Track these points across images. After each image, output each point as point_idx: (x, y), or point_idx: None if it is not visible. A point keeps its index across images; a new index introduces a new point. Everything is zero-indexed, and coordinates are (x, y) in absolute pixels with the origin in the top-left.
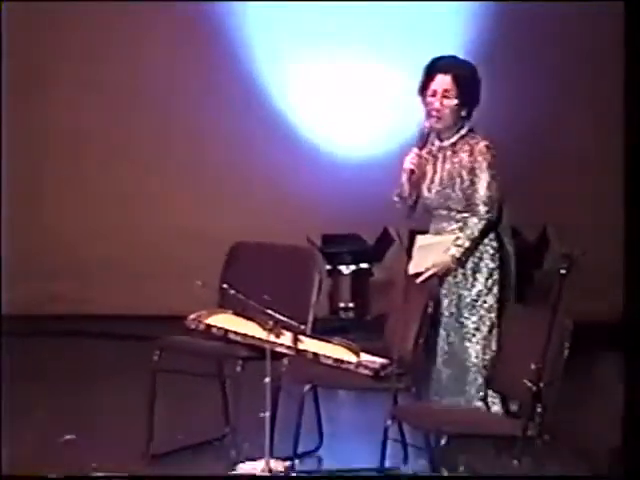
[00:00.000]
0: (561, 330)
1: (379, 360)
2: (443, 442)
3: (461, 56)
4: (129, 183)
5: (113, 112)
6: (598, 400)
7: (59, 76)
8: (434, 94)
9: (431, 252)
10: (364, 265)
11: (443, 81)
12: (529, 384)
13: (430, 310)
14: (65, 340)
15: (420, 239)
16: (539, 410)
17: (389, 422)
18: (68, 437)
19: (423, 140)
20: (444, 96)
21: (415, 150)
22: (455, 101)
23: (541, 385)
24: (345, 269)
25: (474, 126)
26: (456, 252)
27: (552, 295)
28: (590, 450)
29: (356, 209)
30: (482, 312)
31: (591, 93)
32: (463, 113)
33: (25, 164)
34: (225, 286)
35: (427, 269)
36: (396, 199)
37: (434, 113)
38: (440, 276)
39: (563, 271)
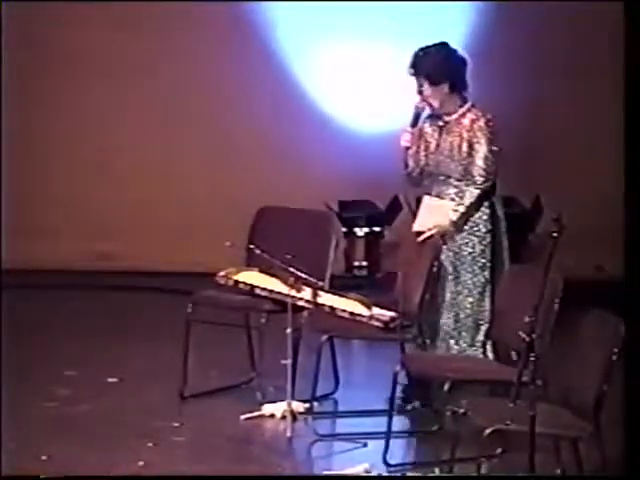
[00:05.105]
0: (552, 287)
1: (389, 313)
2: (446, 387)
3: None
4: (168, 154)
5: (145, 86)
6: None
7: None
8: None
9: (434, 214)
10: (376, 228)
11: (418, 81)
12: (523, 335)
13: (435, 269)
14: (110, 294)
15: (426, 199)
16: (532, 359)
17: (398, 369)
18: (111, 379)
19: (415, 118)
20: (420, 92)
21: (408, 129)
22: (430, 92)
23: (534, 336)
24: (359, 231)
25: (475, 101)
26: (453, 216)
27: (544, 255)
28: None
29: (370, 179)
30: (477, 270)
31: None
32: (452, 94)
33: (66, 127)
34: (252, 246)
35: (429, 229)
36: (404, 173)
37: (423, 103)
38: (441, 238)
39: (554, 234)
